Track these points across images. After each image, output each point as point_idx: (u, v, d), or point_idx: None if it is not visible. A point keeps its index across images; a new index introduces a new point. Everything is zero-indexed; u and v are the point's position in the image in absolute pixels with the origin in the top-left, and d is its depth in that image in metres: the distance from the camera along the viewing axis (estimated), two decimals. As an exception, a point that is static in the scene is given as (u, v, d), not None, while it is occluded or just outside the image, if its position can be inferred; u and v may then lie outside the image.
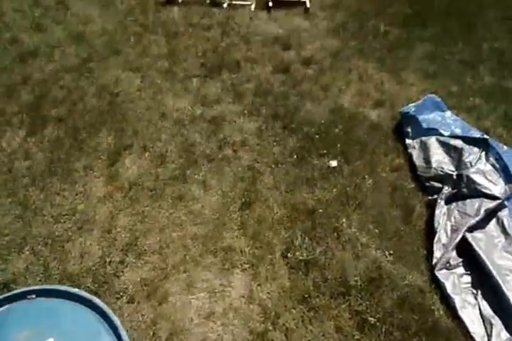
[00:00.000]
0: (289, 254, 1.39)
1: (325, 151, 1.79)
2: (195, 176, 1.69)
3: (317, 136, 1.86)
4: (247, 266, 1.38)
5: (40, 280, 1.33)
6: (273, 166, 1.73)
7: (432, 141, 1.77)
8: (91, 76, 2.24)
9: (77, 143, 1.85)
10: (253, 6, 2.85)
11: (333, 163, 1.73)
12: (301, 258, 1.38)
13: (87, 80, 2.21)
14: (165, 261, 1.41)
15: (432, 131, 1.82)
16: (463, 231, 1.34)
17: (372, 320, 1.22)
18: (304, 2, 2.84)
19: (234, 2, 2.87)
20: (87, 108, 2.05)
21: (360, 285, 1.28)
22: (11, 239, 1.47)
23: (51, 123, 1.96)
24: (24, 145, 1.85)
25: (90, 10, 2.76)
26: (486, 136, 1.74)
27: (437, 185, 1.58)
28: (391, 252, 1.38)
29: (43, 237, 1.48)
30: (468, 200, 1.46)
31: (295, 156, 1.77)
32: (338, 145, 1.82)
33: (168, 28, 2.62)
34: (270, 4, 2.82)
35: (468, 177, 1.56)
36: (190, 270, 1.38)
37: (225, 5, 2.85)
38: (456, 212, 1.43)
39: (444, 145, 1.74)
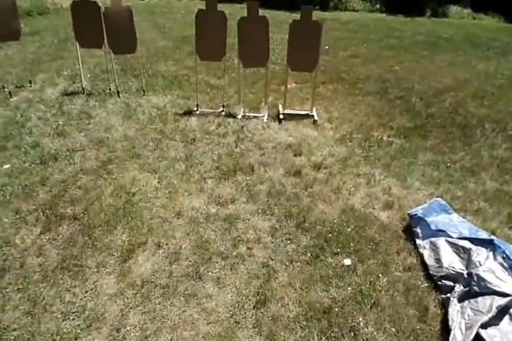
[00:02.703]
0: (306, 354, 1.84)
1: (338, 250, 2.49)
2: (209, 273, 2.32)
3: (330, 235, 2.61)
4: (262, 366, 1.80)
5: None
6: (287, 264, 2.38)
7: (442, 242, 2.50)
8: (109, 177, 3.24)
9: (91, 241, 2.59)
10: (265, 118, 4.26)
11: (347, 262, 2.39)
12: (318, 358, 1.81)
13: (105, 181, 3.19)
14: None
15: (441, 233, 2.58)
16: (477, 328, 1.85)
17: None
18: (312, 115, 4.27)
19: (247, 114, 4.32)
20: (103, 207, 2.90)
21: (381, 385, 1.66)
22: (18, 335, 1.98)
23: (66, 221, 2.77)
24: (37, 242, 2.59)
25: (113, 119, 4.14)
26: (492, 237, 2.48)
27: (449, 283, 2.20)
28: (409, 351, 1.83)
29: (51, 334, 1.99)
30: (480, 298, 2.03)
31: (309, 254, 2.46)
32: (351, 244, 2.53)
33: (185, 134, 3.87)
34: (281, 116, 4.24)
35: (478, 275, 2.19)
36: (203, 371, 1.79)
37: (239, 116, 4.26)
38: (469, 309, 1.98)
39: (453, 246, 2.46)
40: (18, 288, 2.23)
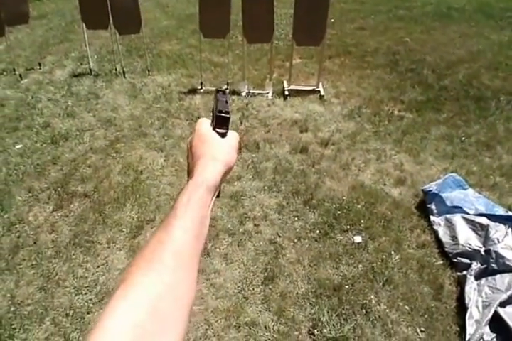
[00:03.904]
0: (315, 331, 1.74)
1: (348, 227, 2.34)
2: (217, 250, 2.21)
3: (339, 212, 2.45)
4: (271, 343, 1.71)
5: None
6: (295, 241, 2.25)
7: (458, 219, 2.31)
8: (117, 155, 3.11)
9: (102, 217, 2.50)
10: (270, 94, 4.02)
11: (358, 239, 2.25)
12: (328, 335, 1.72)
13: (113, 159, 3.06)
14: (186, 335, 1.75)
15: (457, 209, 2.38)
16: (495, 306, 1.70)
17: None
18: (319, 91, 4.02)
19: (252, 91, 4.09)
20: (112, 184, 2.79)
21: (393, 363, 1.56)
22: (32, 310, 1.92)
23: (77, 199, 2.68)
24: (50, 219, 2.51)
25: (120, 99, 3.96)
26: (510, 213, 2.29)
27: (466, 261, 2.03)
28: (422, 329, 1.72)
29: (64, 308, 1.93)
30: (498, 275, 1.87)
31: (317, 231, 2.31)
32: (362, 221, 2.37)
33: (190, 113, 3.68)
34: (286, 93, 4.01)
35: (496, 252, 2.01)
36: (211, 346, 1.71)
37: (243, 93, 4.03)
38: (487, 287, 1.82)
39: (470, 223, 2.27)
40: (32, 264, 2.17)
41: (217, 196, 0.53)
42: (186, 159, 0.57)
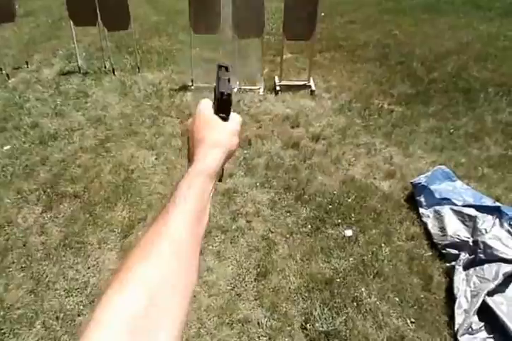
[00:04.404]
0: (308, 325, 1.75)
1: (339, 221, 2.34)
2: (210, 247, 2.20)
3: (330, 206, 2.45)
4: (265, 338, 1.72)
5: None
6: (287, 236, 2.25)
7: (446, 210, 2.32)
8: (108, 155, 3.07)
9: (92, 218, 2.47)
10: (261, 90, 3.99)
11: (348, 233, 2.25)
12: (321, 329, 1.73)
13: (103, 159, 3.02)
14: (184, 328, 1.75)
15: (445, 201, 2.39)
16: (483, 295, 1.72)
17: None
18: (310, 85, 3.99)
19: (243, 87, 4.05)
20: (103, 184, 2.76)
21: (384, 355, 1.58)
22: (22, 313, 1.89)
23: (67, 200, 2.64)
24: (39, 221, 2.48)
25: (110, 97, 3.91)
26: (498, 204, 2.30)
27: (454, 251, 2.05)
28: (413, 320, 1.74)
29: (54, 311, 1.90)
30: (486, 265, 1.89)
31: (309, 226, 2.31)
32: (352, 215, 2.38)
33: (181, 110, 3.64)
34: (278, 88, 3.98)
35: (484, 243, 2.03)
36: (205, 344, 1.71)
37: (234, 89, 4.00)
38: (475, 277, 1.84)
39: (458, 214, 2.28)
40: (21, 267, 2.14)
41: (219, 180, 0.52)
42: (186, 142, 0.54)
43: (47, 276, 2.07)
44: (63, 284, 2.02)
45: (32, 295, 1.97)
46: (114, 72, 4.35)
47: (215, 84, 0.56)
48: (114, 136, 3.28)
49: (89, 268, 2.12)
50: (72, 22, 4.19)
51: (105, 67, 4.46)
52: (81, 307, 1.91)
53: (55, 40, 5.46)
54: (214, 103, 0.54)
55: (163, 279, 0.39)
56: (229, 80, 0.54)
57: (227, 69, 0.56)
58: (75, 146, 3.16)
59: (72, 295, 1.97)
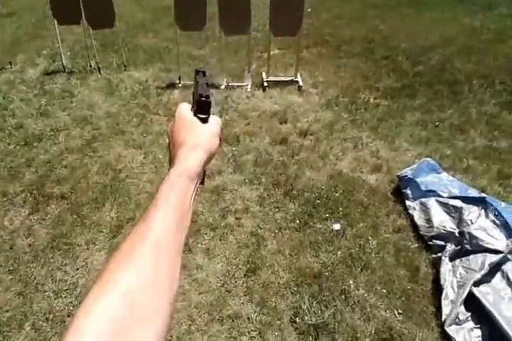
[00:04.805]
0: (297, 319, 1.76)
1: (327, 215, 2.35)
2: (199, 245, 2.19)
3: (318, 201, 2.46)
4: (254, 333, 1.73)
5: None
6: (276, 232, 2.25)
7: (432, 202, 2.34)
8: (94, 155, 3.03)
9: (80, 219, 2.44)
10: (249, 86, 3.97)
11: (336, 226, 2.26)
12: (310, 322, 1.74)
13: (90, 159, 2.99)
14: (169, 332, 1.75)
15: (431, 193, 2.41)
16: (469, 286, 1.74)
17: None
18: (297, 81, 3.98)
19: (231, 84, 4.03)
20: (90, 185, 2.73)
21: (372, 346, 1.59)
22: (11, 316, 1.87)
23: (54, 201, 2.60)
24: (26, 223, 2.44)
25: (96, 96, 3.85)
26: (483, 195, 2.33)
27: (440, 243, 2.07)
28: (400, 311, 1.75)
29: (43, 313, 1.89)
30: (471, 256, 1.91)
31: (298, 221, 2.32)
32: (340, 209, 2.39)
33: (169, 108, 3.60)
34: (265, 84, 3.96)
35: (470, 233, 2.05)
36: (195, 340, 1.71)
37: (222, 87, 3.97)
38: (461, 268, 1.86)
39: (444, 206, 2.30)
40: (9, 270, 2.11)
41: (201, 183, 0.51)
42: (167, 147, 0.54)
43: (35, 278, 2.05)
44: (52, 286, 2.00)
45: (21, 298, 1.95)
46: (99, 71, 4.28)
47: (193, 89, 0.55)
48: (101, 136, 3.24)
49: (77, 269, 2.10)
50: (56, 21, 4.11)
51: (90, 66, 4.39)
52: (71, 308, 1.89)
53: (39, 40, 5.36)
54: (193, 106, 0.54)
55: (144, 283, 0.38)
56: (207, 84, 0.54)
57: (204, 74, 0.56)
58: (61, 147, 3.11)
59: (61, 296, 1.95)
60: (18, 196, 2.63)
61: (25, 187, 2.70)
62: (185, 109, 0.54)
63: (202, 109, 0.52)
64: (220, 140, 0.55)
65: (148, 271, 0.39)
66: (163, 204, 0.44)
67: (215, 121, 0.54)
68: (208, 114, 0.53)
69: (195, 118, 0.52)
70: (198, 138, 0.51)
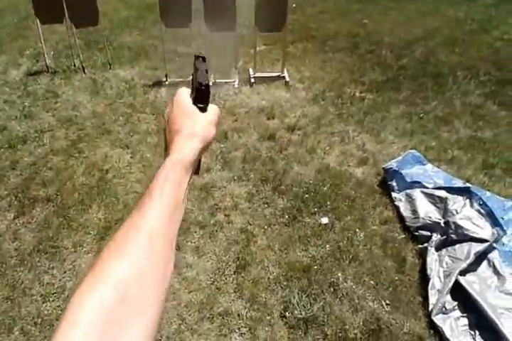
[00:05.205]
0: (287, 314, 1.76)
1: (315, 209, 2.36)
2: (188, 243, 2.18)
3: (307, 196, 2.46)
4: (245, 329, 1.73)
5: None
6: (266, 227, 2.25)
7: (417, 193, 2.35)
8: (80, 156, 2.99)
9: (66, 221, 2.40)
10: (236, 83, 3.94)
11: (324, 220, 2.27)
12: (299, 316, 1.74)
13: (76, 160, 2.94)
14: (159, 332, 1.74)
15: (416, 184, 2.43)
16: (455, 275, 1.76)
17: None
18: (284, 76, 3.96)
19: (218, 80, 3.99)
20: (76, 186, 2.68)
21: (361, 338, 1.62)
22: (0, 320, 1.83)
23: (39, 204, 2.56)
24: (12, 227, 2.40)
25: (81, 96, 3.78)
26: (467, 185, 2.35)
27: (426, 233, 2.09)
28: (388, 302, 1.77)
29: (32, 317, 1.86)
30: (457, 245, 1.94)
31: (287, 216, 2.32)
32: (328, 203, 2.39)
33: (156, 106, 3.57)
34: (252, 80, 3.94)
35: (455, 223, 2.07)
36: (185, 339, 1.71)
37: (210, 83, 3.95)
38: (447, 257, 1.88)
39: (429, 196, 2.32)
40: (-5, 275, 2.10)
41: (196, 173, 0.50)
42: (163, 133, 0.53)
43: (22, 282, 2.01)
44: (39, 289, 1.97)
45: (8, 302, 1.91)
46: (84, 70, 4.20)
47: (192, 75, 0.54)
48: (87, 136, 3.18)
49: (65, 272, 2.07)
50: (38, 20, 4.03)
51: (75, 66, 4.30)
52: (59, 311, 1.86)
53: (21, 40, 5.23)
54: (192, 93, 0.52)
55: (137, 274, 0.38)
56: (206, 71, 0.52)
57: (204, 59, 0.54)
58: (46, 149, 3.05)
59: (49, 300, 1.92)
60: (3, 200, 2.58)
61: (10, 190, 2.65)
62: (184, 95, 0.53)
63: (201, 97, 0.51)
64: (216, 130, 0.53)
65: (141, 261, 0.39)
66: (158, 194, 0.43)
67: (213, 109, 0.53)
68: (207, 102, 0.52)
69: (194, 107, 0.51)
70: (196, 126, 0.50)
